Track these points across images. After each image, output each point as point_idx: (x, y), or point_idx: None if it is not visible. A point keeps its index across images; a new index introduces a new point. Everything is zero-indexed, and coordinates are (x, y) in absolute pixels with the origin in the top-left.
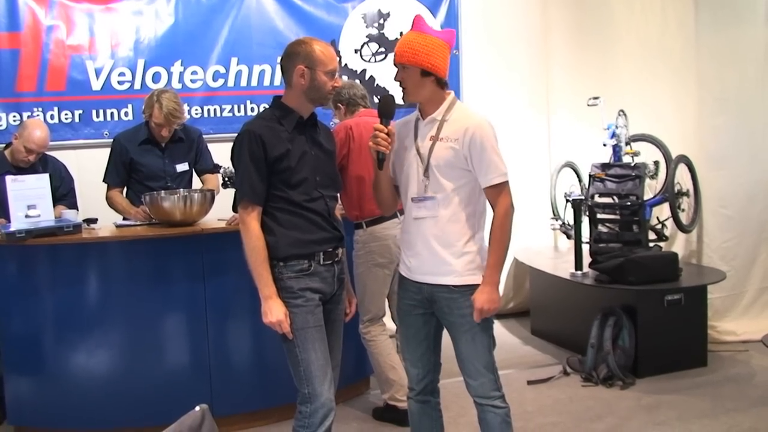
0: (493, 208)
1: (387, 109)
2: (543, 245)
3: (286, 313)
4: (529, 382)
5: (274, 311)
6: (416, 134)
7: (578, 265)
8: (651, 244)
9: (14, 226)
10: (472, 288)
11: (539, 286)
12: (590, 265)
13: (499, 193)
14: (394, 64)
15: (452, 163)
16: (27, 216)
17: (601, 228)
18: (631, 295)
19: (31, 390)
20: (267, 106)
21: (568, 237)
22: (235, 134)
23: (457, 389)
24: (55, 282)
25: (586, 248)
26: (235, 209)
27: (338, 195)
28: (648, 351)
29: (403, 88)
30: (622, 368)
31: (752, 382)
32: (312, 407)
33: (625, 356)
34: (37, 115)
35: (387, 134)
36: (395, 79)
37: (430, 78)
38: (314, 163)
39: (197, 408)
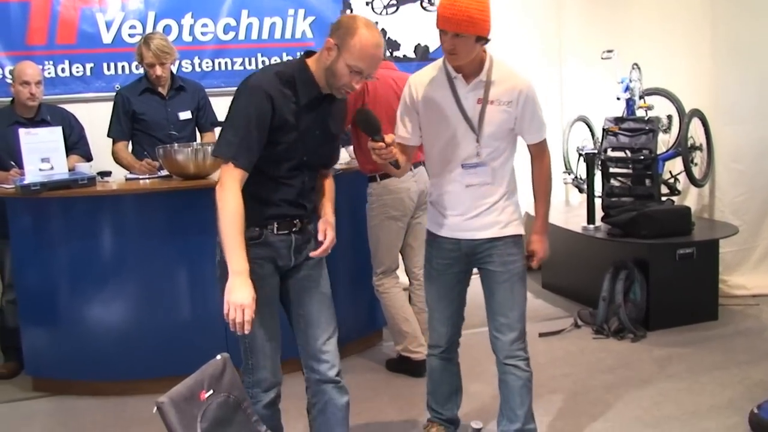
0: (534, 162)
1: (374, 125)
2: (554, 199)
3: (255, 298)
4: (541, 335)
5: (243, 292)
6: (456, 95)
7: (590, 218)
8: (663, 198)
9: (29, 179)
10: (514, 238)
11: (550, 240)
12: (602, 219)
13: (544, 146)
14: (443, 30)
15: (504, 127)
16: (40, 170)
17: (614, 182)
18: (643, 249)
19: (48, 341)
20: (292, 59)
21: (581, 191)
22: None
23: (471, 341)
24: (70, 235)
25: (598, 202)
26: None
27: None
28: (659, 304)
29: (453, 54)
30: (633, 321)
31: (763, 335)
32: (253, 379)
33: (636, 309)
34: (48, 69)
35: (387, 145)
36: (445, 48)
37: (481, 42)
38: (310, 145)
39: (218, 357)
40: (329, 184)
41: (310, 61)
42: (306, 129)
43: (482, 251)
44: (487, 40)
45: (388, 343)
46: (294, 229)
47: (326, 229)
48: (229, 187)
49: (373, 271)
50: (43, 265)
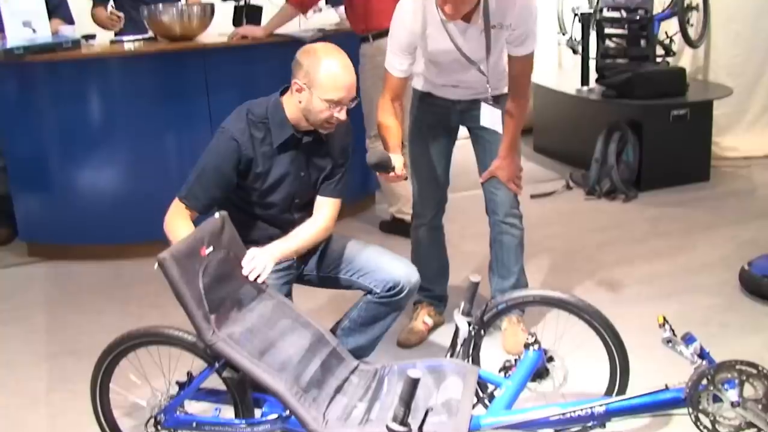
0: (513, 80)
1: (386, 165)
2: (546, 62)
3: None
4: (532, 196)
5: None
6: (453, 40)
7: (584, 80)
8: (658, 59)
9: (11, 43)
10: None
11: (543, 103)
12: (597, 81)
13: (530, 60)
14: None
15: (504, 47)
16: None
17: (609, 43)
18: (637, 110)
19: (41, 207)
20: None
21: (575, 52)
22: None
23: (461, 203)
24: (57, 99)
25: (592, 64)
26: (236, 23)
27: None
28: (652, 165)
29: (453, 13)
30: (626, 182)
31: (753, 195)
32: None
33: (628, 170)
34: None
35: (398, 176)
36: (444, 9)
37: None
38: (297, 187)
39: (217, 215)
40: (310, 226)
41: (285, 100)
42: (286, 173)
43: (477, 107)
44: None
45: (381, 206)
46: None
47: (251, 258)
48: (174, 218)
49: (366, 133)
50: (31, 130)
